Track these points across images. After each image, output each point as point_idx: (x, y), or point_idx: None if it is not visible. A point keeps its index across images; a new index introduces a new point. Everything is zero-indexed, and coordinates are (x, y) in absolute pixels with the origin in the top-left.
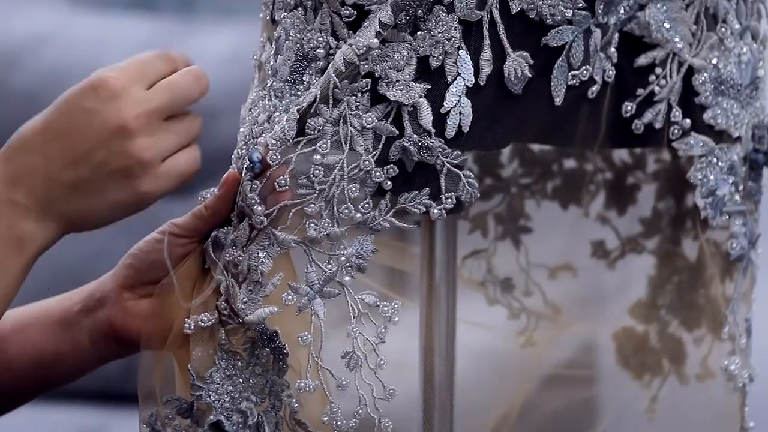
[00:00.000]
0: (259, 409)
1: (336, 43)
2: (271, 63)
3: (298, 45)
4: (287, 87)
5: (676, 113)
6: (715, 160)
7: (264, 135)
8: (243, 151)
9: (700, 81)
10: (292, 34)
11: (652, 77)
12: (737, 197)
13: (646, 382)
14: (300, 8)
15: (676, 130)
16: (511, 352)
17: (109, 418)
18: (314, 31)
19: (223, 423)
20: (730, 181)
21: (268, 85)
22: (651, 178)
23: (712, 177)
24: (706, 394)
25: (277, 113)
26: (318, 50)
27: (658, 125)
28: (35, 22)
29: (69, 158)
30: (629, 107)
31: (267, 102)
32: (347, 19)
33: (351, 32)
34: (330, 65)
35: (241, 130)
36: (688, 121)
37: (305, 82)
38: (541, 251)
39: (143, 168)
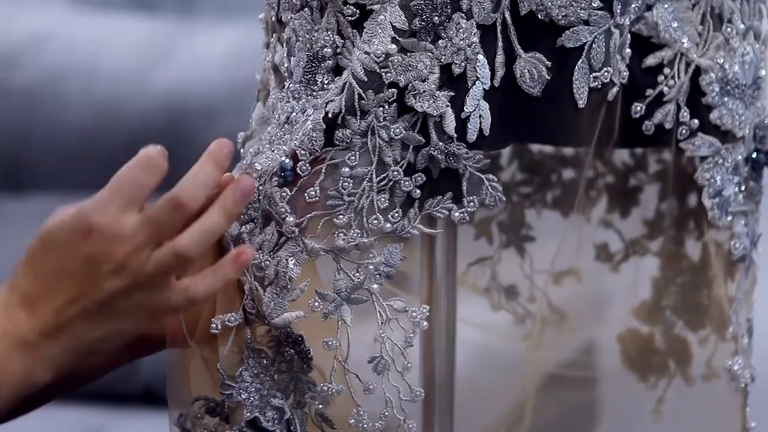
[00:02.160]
0: (287, 405)
1: (342, 42)
2: (286, 65)
3: (308, 45)
4: (302, 88)
5: (685, 114)
6: (721, 160)
7: (285, 137)
8: (265, 147)
9: (707, 81)
10: (301, 35)
11: (660, 77)
12: (741, 197)
13: (652, 383)
14: (306, 9)
15: (684, 131)
16: (513, 354)
17: (109, 418)
18: (321, 31)
19: (259, 420)
20: (735, 182)
21: (286, 86)
22: (653, 179)
23: (718, 177)
24: (712, 394)
25: (294, 113)
26: (326, 49)
27: (668, 125)
28: (35, 22)
29: (73, 296)
30: (638, 108)
31: (286, 104)
32: (350, 18)
33: (355, 31)
34: (346, 72)
35: (268, 129)
36: (696, 121)
37: (319, 83)
38: (545, 258)
39: (154, 290)
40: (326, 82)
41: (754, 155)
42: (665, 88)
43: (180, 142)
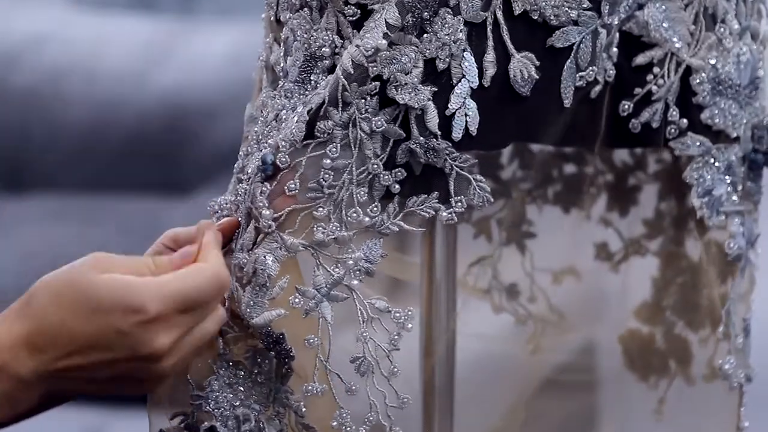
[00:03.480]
0: (263, 416)
1: (341, 42)
2: (282, 65)
3: (305, 45)
4: (296, 87)
5: (674, 113)
6: (711, 160)
7: (272, 134)
8: (254, 147)
9: (698, 81)
10: (299, 34)
11: (650, 76)
12: (735, 197)
13: (653, 383)
14: (306, 8)
15: (673, 130)
16: (513, 358)
17: (109, 418)
18: (320, 31)
19: (217, 428)
20: (728, 181)
21: (280, 86)
22: (652, 179)
23: (708, 177)
24: (713, 394)
25: (284, 111)
26: (324, 49)
27: (655, 124)
28: (35, 22)
29: (92, 366)
30: (626, 106)
31: (276, 102)
32: (351, 18)
33: (355, 31)
34: (338, 67)
35: (255, 129)
36: (685, 120)
37: (312, 82)
38: (546, 255)
39: (162, 380)
40: (320, 81)
41: (752, 155)
42: (654, 87)
43: (180, 142)
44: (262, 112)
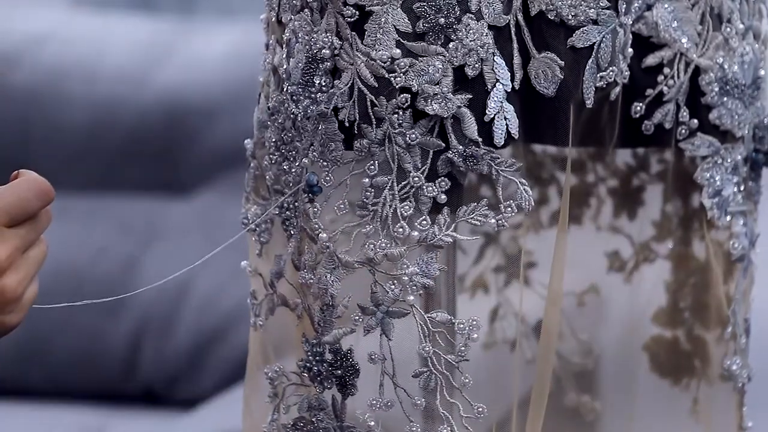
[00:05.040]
0: None
1: (340, 43)
2: (285, 66)
3: (307, 47)
4: (301, 90)
5: (684, 113)
6: (720, 160)
7: (295, 145)
8: (275, 156)
9: (707, 81)
10: (300, 36)
11: (660, 77)
12: (740, 197)
13: (685, 385)
14: (306, 10)
15: (683, 131)
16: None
17: (109, 418)
18: (321, 32)
19: None
20: (734, 181)
21: (285, 89)
22: (655, 179)
23: (718, 177)
24: (724, 394)
25: (299, 119)
26: (324, 51)
27: (668, 125)
28: (35, 22)
29: None
30: (638, 107)
31: (288, 108)
32: (350, 20)
33: (354, 33)
34: (347, 76)
35: (267, 135)
36: (695, 121)
37: (317, 84)
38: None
39: (14, 304)
40: (324, 84)
41: (754, 155)
42: (665, 88)
43: (180, 142)
44: (274, 116)
